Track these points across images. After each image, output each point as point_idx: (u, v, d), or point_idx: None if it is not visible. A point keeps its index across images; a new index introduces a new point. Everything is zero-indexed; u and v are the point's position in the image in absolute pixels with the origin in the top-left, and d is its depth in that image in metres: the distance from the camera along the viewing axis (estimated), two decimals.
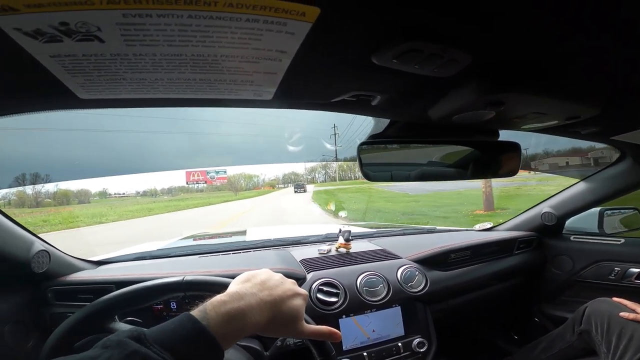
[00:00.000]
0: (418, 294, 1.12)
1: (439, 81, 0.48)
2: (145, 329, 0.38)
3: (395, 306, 1.08)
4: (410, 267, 1.18)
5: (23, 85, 0.40)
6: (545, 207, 1.52)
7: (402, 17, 0.33)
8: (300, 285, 1.01)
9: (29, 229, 0.84)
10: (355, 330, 1.02)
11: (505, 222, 1.70)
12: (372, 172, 0.76)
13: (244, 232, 2.05)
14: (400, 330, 1.07)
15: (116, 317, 0.66)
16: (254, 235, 1.85)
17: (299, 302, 0.53)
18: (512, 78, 0.49)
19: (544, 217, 1.51)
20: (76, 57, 0.33)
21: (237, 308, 0.44)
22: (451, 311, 1.25)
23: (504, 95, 0.52)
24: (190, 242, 1.80)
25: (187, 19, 0.29)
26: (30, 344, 0.83)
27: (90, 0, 0.25)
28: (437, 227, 1.76)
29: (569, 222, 1.56)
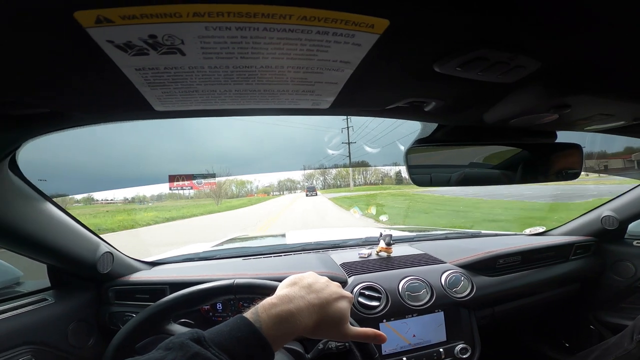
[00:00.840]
0: (463, 299, 1.09)
1: (500, 86, 0.47)
2: (203, 332, 0.40)
3: (438, 311, 1.06)
4: (455, 272, 1.15)
5: (107, 97, 0.43)
6: (605, 211, 1.40)
7: (471, 26, 0.33)
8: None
9: (95, 232, 0.92)
10: (396, 335, 1.01)
11: (559, 226, 1.59)
12: (421, 177, 0.75)
13: (283, 235, 2.10)
14: (442, 336, 1.05)
15: (171, 319, 0.71)
16: (293, 238, 1.89)
17: (344, 305, 0.53)
18: (581, 80, 0.47)
19: (605, 221, 1.39)
20: (158, 70, 0.35)
21: (287, 310, 0.45)
22: (498, 318, 1.20)
23: (572, 98, 0.50)
24: (234, 245, 1.87)
25: (262, 31, 0.30)
26: (90, 342, 0.89)
27: (178, 13, 0.26)
28: (482, 231, 1.69)
29: (632, 227, 1.43)
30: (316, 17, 0.29)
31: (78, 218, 0.83)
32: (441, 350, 1.02)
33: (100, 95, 0.42)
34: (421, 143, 0.75)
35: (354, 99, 0.51)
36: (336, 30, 0.31)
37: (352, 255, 1.26)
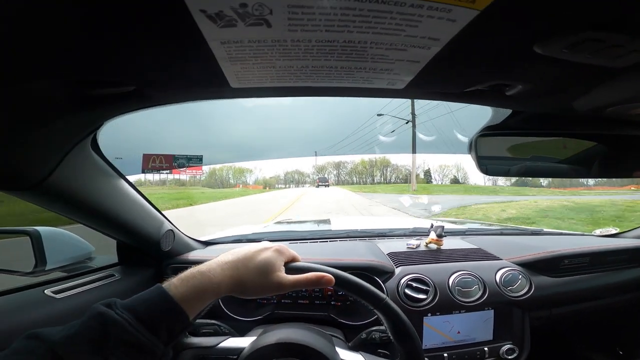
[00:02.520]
0: (518, 298, 1.03)
1: (606, 70, 0.42)
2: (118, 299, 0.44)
3: (488, 309, 1.01)
4: (513, 270, 1.08)
5: (188, 73, 0.44)
6: None
7: (589, 4, 0.30)
8: (387, 279, 1.02)
9: (159, 210, 0.97)
10: (439, 330, 0.98)
11: (635, 229, 1.42)
12: (492, 166, 0.71)
13: (327, 221, 2.11)
14: (488, 335, 1.01)
15: None
16: (338, 224, 1.89)
17: (268, 254, 0.53)
18: None
19: None
20: (242, 44, 0.35)
21: (196, 270, 0.48)
22: (553, 320, 1.12)
23: None
24: (281, 228, 1.92)
25: (354, 1, 0.29)
26: None
27: None
28: (545, 229, 1.57)
29: None
30: None
31: None
32: (486, 349, 0.98)
33: (182, 72, 0.43)
34: (491, 130, 0.69)
35: (433, 79, 0.48)
36: (432, 4, 0.29)
37: (399, 245, 1.23)
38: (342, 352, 0.67)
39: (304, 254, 1.15)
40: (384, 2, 0.29)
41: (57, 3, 0.27)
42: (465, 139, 0.75)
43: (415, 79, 0.47)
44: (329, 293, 1.04)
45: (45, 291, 0.74)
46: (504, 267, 1.08)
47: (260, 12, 0.29)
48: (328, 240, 1.35)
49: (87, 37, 0.33)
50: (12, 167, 0.52)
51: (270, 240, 1.30)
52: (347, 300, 1.03)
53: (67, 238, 0.98)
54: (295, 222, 2.40)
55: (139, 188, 0.86)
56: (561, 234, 1.54)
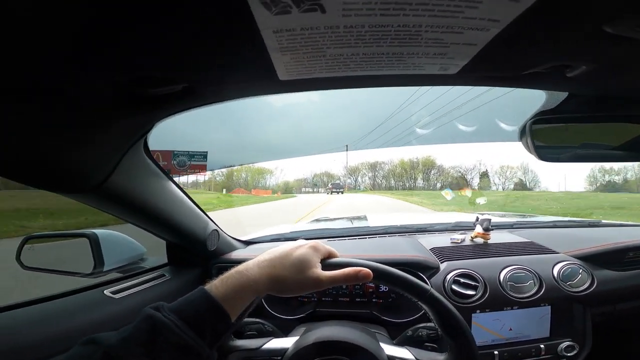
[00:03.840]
0: (579, 294, 0.96)
1: None
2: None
3: (544, 305, 0.95)
4: (572, 264, 1.00)
5: (238, 66, 0.44)
6: None
7: None
8: (433, 275, 0.99)
9: (204, 211, 1.00)
10: (489, 327, 0.94)
11: None
12: (550, 154, 0.67)
13: (364, 218, 2.08)
14: (544, 332, 0.95)
15: None
16: (375, 221, 1.86)
17: (303, 251, 0.54)
18: None
19: None
20: (294, 32, 0.35)
21: (235, 270, 0.51)
22: (617, 316, 1.04)
23: None
24: (318, 226, 1.92)
25: None
26: None
27: None
28: (603, 221, 1.45)
29: None
30: None
31: None
32: (542, 346, 0.93)
33: (231, 66, 0.44)
34: (545, 115, 0.65)
35: (489, 62, 0.46)
36: None
37: (441, 240, 1.18)
38: (386, 347, 0.65)
39: (343, 251, 1.13)
40: None
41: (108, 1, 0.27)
42: (511, 127, 0.71)
43: (470, 63, 0.44)
44: (370, 290, 1.02)
45: (105, 292, 0.78)
46: (562, 261, 1.01)
47: None
48: (366, 236, 1.33)
49: (139, 34, 0.34)
50: (72, 172, 0.55)
51: (308, 238, 1.33)
52: (389, 297, 1.01)
53: (121, 240, 1.04)
54: (332, 220, 2.40)
55: None
56: (622, 225, 1.42)
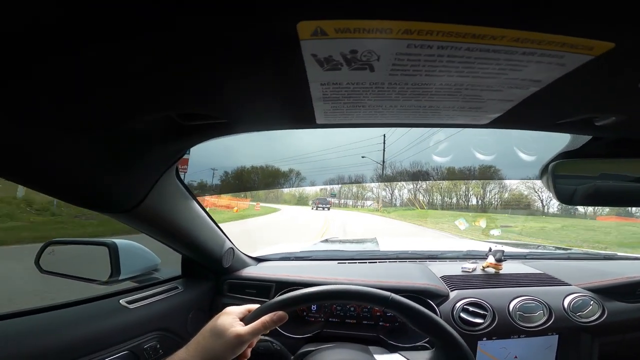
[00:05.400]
0: (588, 324, 0.96)
1: None
2: None
3: (552, 334, 0.94)
4: (583, 295, 0.99)
5: (280, 108, 0.46)
6: None
7: None
8: (442, 303, 0.98)
9: (222, 229, 1.03)
10: (495, 354, 0.93)
11: None
12: (570, 196, 0.67)
13: (374, 240, 2.07)
14: None
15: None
16: (386, 245, 1.85)
17: (217, 319, 0.60)
18: None
19: None
20: (340, 85, 0.36)
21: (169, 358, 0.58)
22: (627, 346, 1.02)
23: None
24: (327, 247, 1.92)
25: (463, 51, 0.28)
26: None
27: (389, 29, 0.26)
28: (619, 254, 1.42)
29: None
30: (530, 39, 0.26)
31: None
32: None
33: (274, 109, 0.46)
34: (569, 156, 0.66)
35: (522, 115, 0.46)
36: (545, 52, 0.28)
37: (452, 269, 1.18)
38: (380, 357, 0.66)
39: (354, 275, 1.17)
40: (495, 50, 0.28)
41: (169, 49, 0.29)
42: (531, 159, 0.71)
43: (503, 116, 0.45)
44: (378, 314, 1.02)
45: (120, 301, 0.81)
46: (573, 293, 1.00)
47: (367, 57, 0.30)
48: (377, 260, 1.33)
49: (197, 79, 0.36)
50: (111, 194, 0.59)
51: (318, 259, 1.34)
52: (396, 322, 1.00)
53: (138, 250, 1.06)
54: (342, 242, 2.39)
55: None
56: (637, 258, 1.38)
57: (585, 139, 0.63)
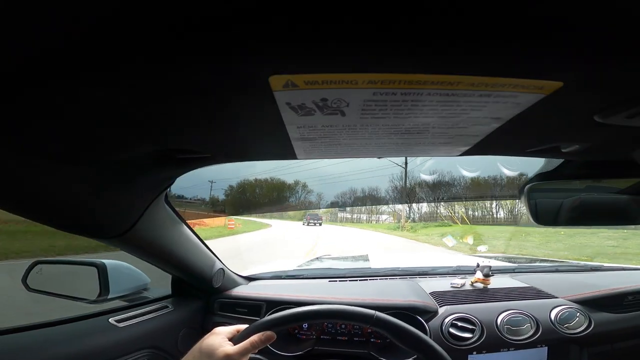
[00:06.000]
0: (576, 335, 0.97)
1: None
2: None
3: (541, 346, 0.96)
4: (569, 307, 1.02)
5: (261, 146, 0.50)
6: None
7: None
8: (430, 319, 1.00)
9: (212, 250, 1.04)
10: None
11: None
12: (548, 217, 0.70)
13: (366, 257, 2.08)
14: None
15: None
16: (377, 262, 1.86)
17: (206, 340, 0.61)
18: None
19: None
20: (315, 128, 0.39)
21: None
22: (615, 355, 1.04)
23: None
24: (318, 265, 1.93)
25: (425, 96, 0.31)
26: None
27: (354, 80, 0.28)
28: (605, 265, 1.45)
29: None
30: (485, 83, 0.29)
31: None
32: None
33: (256, 146, 0.50)
34: (543, 178, 0.69)
35: (490, 146, 0.50)
36: (499, 93, 0.31)
37: (442, 284, 1.19)
38: None
39: (344, 293, 1.18)
40: (454, 94, 0.31)
41: (157, 92, 0.31)
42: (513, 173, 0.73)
43: (472, 148, 0.49)
44: (369, 330, 1.02)
45: (110, 320, 0.81)
46: (560, 305, 1.02)
47: (337, 104, 0.32)
48: (368, 278, 1.34)
49: (179, 119, 0.38)
50: (102, 220, 0.60)
51: (310, 278, 1.34)
52: (387, 338, 1.01)
53: (127, 270, 1.06)
54: (334, 259, 2.39)
55: None
56: (624, 269, 1.42)
57: (558, 161, 0.66)
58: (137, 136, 0.42)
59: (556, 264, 1.58)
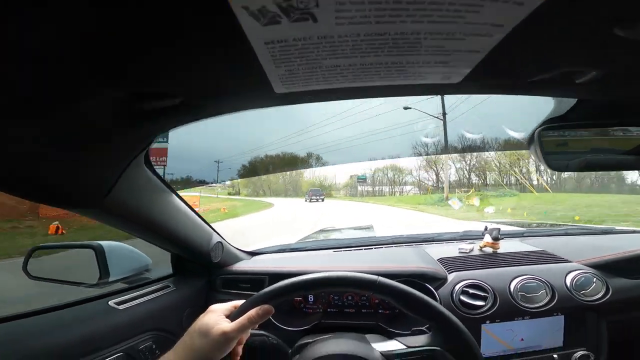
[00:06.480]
0: (593, 303, 0.94)
1: None
2: None
3: (557, 314, 0.93)
4: (585, 272, 0.98)
5: (231, 79, 0.44)
6: None
7: None
8: (440, 286, 0.97)
9: (208, 223, 1.00)
10: (497, 341, 0.92)
11: None
12: (559, 162, 0.65)
13: (370, 227, 2.07)
14: (557, 341, 0.93)
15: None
16: (381, 230, 1.84)
17: (202, 318, 0.59)
18: None
19: None
20: (286, 43, 0.34)
21: None
22: (633, 324, 1.02)
23: None
24: (322, 236, 1.91)
25: None
26: None
27: None
28: (616, 228, 1.42)
29: None
30: None
31: None
32: (555, 356, 0.91)
33: (226, 79, 0.43)
34: (554, 122, 0.64)
35: (494, 70, 0.44)
36: None
37: (449, 250, 1.16)
38: (378, 345, 0.65)
39: (349, 262, 1.16)
40: None
41: (101, 18, 0.28)
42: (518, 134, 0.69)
43: (474, 71, 0.43)
44: (376, 301, 1.01)
45: (109, 302, 0.79)
46: (575, 270, 0.99)
47: (305, 5, 0.28)
48: (373, 247, 1.31)
49: (132, 50, 0.34)
50: (74, 187, 0.55)
51: (314, 249, 1.32)
52: (396, 308, 0.99)
53: (127, 251, 1.04)
54: (338, 230, 2.38)
55: None
56: (635, 231, 1.38)
57: (570, 102, 0.61)
58: (88, 75, 0.37)
59: (566, 226, 1.54)
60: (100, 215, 0.66)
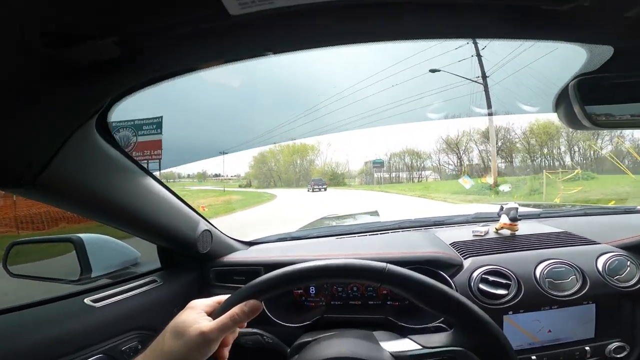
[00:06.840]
0: (628, 289, 0.85)
1: None
2: None
3: (588, 303, 0.84)
4: (618, 255, 0.88)
5: (174, 9, 0.32)
6: None
7: None
8: (455, 273, 0.88)
9: (195, 209, 0.91)
10: (522, 333, 0.84)
11: None
12: (600, 117, 0.56)
13: (376, 213, 1.98)
14: (588, 332, 0.86)
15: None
16: (387, 215, 1.76)
17: (180, 316, 0.50)
18: None
19: None
20: None
21: None
22: None
23: None
24: (325, 224, 1.83)
25: None
26: None
27: None
28: (638, 207, 1.31)
29: None
30: None
31: None
32: (587, 348, 0.84)
33: (166, 6, 0.32)
34: (588, 75, 0.54)
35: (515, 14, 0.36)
36: None
37: (462, 234, 1.07)
38: (387, 344, 0.55)
39: (353, 249, 1.06)
40: None
41: None
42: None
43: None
44: (384, 292, 0.92)
45: (85, 300, 0.72)
46: (606, 252, 0.89)
47: None
48: (378, 232, 1.23)
49: None
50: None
51: (318, 237, 1.23)
52: (406, 299, 0.90)
53: (111, 244, 0.97)
54: (342, 217, 2.30)
55: None
56: None
57: (605, 55, 0.51)
58: None
59: (584, 206, 1.44)
60: (38, 195, 0.56)
